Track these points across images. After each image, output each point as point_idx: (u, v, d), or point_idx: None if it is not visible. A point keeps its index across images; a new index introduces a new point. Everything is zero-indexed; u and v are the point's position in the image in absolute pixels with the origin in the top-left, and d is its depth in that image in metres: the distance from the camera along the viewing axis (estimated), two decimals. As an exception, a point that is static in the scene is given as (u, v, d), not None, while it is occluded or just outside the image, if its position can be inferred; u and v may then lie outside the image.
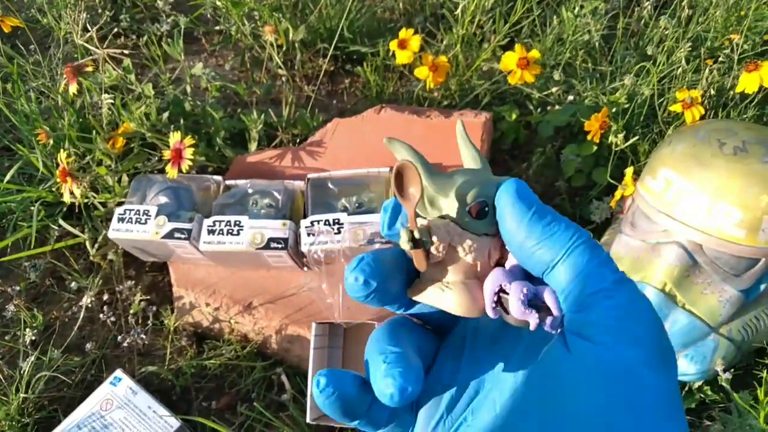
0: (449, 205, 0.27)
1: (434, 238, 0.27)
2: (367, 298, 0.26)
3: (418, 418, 0.28)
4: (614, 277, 0.25)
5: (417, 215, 0.28)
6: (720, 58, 1.13)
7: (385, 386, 0.25)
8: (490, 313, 0.27)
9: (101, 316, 0.97)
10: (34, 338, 0.94)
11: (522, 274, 0.28)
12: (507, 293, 0.26)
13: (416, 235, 0.26)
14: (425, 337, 0.30)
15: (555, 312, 0.26)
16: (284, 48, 1.25)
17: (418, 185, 0.26)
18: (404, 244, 0.26)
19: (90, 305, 0.97)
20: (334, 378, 0.27)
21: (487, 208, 0.27)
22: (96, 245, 1.02)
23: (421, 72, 1.04)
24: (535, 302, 0.26)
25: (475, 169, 0.29)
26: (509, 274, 0.27)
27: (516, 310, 0.26)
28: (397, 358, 0.26)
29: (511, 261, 0.28)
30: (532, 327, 0.26)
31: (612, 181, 1.02)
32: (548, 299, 0.27)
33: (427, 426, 0.27)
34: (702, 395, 0.92)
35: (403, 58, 1.04)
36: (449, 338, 0.30)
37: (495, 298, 0.27)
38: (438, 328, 0.31)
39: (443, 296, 0.27)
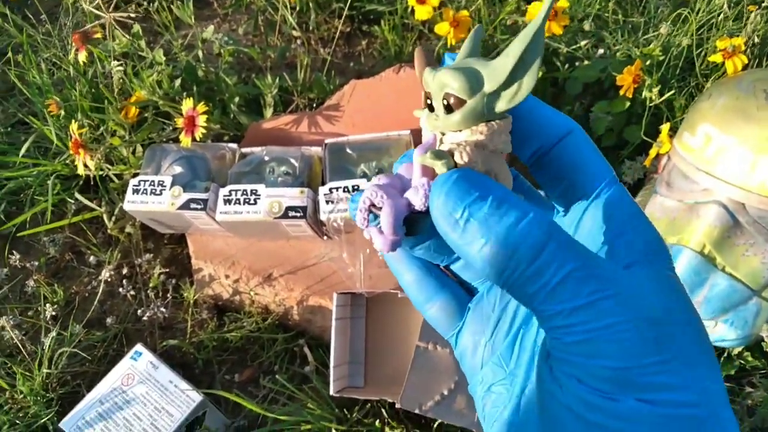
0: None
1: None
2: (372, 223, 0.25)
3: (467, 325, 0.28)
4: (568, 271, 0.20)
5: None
6: (764, 3, 1.05)
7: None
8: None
9: (121, 290, 0.95)
10: (54, 313, 0.93)
11: (401, 184, 0.25)
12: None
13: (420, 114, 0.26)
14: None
15: (385, 226, 0.23)
16: (298, 9, 1.20)
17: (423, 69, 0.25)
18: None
19: (109, 279, 0.96)
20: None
21: (428, 100, 0.24)
22: (113, 218, 1.00)
23: (442, 28, 0.99)
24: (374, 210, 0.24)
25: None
26: (389, 186, 0.25)
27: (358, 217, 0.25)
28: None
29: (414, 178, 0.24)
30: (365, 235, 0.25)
31: (646, 138, 0.96)
32: (382, 204, 0.24)
33: (474, 347, 0.27)
34: (742, 361, 0.88)
35: (422, 13, 0.99)
36: None
37: (364, 206, 0.24)
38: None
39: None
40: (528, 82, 0.23)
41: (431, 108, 0.24)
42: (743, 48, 0.90)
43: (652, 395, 0.19)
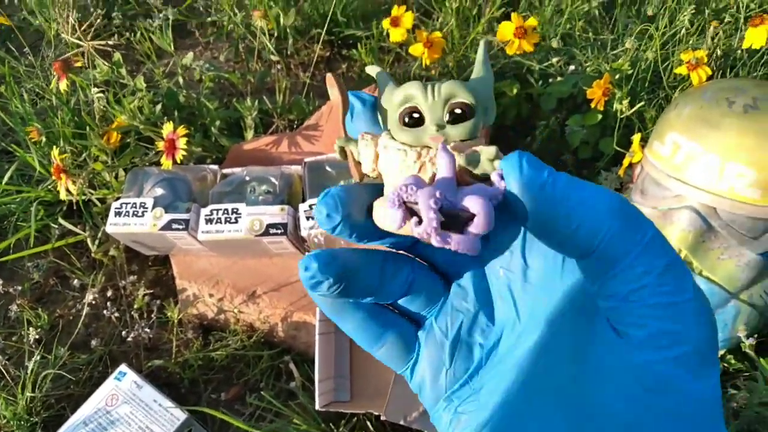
0: (389, 115, 0.26)
1: (359, 147, 0.26)
2: (335, 231, 0.24)
3: (423, 357, 0.27)
4: (665, 260, 0.21)
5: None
6: (726, 19, 1.09)
7: (299, 263, 0.24)
8: (393, 223, 0.23)
9: (105, 312, 0.95)
10: (38, 337, 0.93)
11: (451, 185, 0.23)
12: (411, 201, 0.23)
13: (336, 146, 0.26)
14: (422, 273, 0.28)
15: (480, 225, 0.22)
16: (276, 35, 1.23)
17: (337, 91, 0.26)
18: (337, 153, 0.27)
19: (94, 302, 0.96)
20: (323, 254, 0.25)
21: (416, 114, 0.25)
22: (97, 242, 1.01)
23: (416, 49, 1.02)
24: (450, 213, 0.23)
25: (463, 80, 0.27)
26: (422, 183, 0.24)
27: (426, 223, 0.22)
28: (331, 250, 0.25)
29: (439, 177, 0.24)
30: (434, 243, 0.22)
31: (619, 149, 0.99)
32: (471, 204, 0.22)
33: (433, 377, 0.27)
34: (726, 364, 0.89)
35: (396, 35, 1.02)
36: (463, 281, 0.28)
37: (399, 206, 0.23)
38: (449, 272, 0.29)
39: (375, 211, 0.25)
40: (494, 107, 0.26)
41: (416, 122, 0.25)
42: (706, 60, 0.93)
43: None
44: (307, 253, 0.24)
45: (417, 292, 0.27)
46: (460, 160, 0.24)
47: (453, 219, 0.23)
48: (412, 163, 0.24)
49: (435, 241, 0.22)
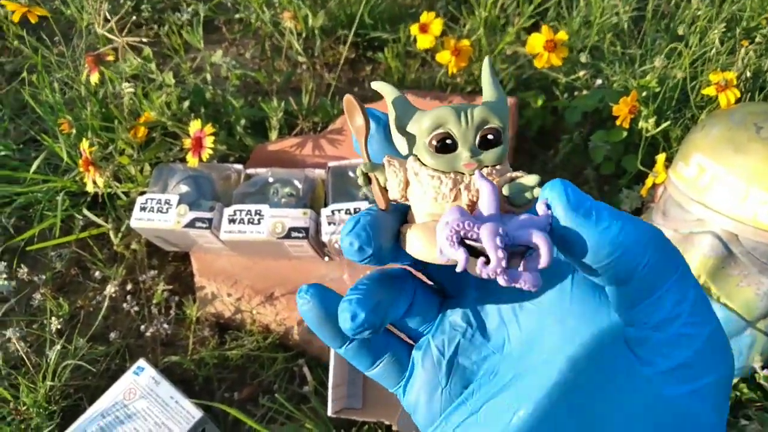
0: (414, 140, 0.25)
1: (387, 174, 0.25)
2: (363, 262, 0.24)
3: (416, 378, 0.27)
4: (695, 293, 0.22)
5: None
6: (756, 39, 1.08)
7: (339, 310, 0.24)
8: (442, 256, 0.23)
9: (125, 305, 0.97)
10: (59, 327, 0.95)
11: (498, 215, 0.23)
12: (471, 238, 0.22)
13: (359, 172, 0.25)
14: (422, 292, 0.28)
15: (544, 260, 0.22)
16: (304, 35, 1.24)
17: (361, 116, 0.25)
18: (360, 181, 0.26)
19: (114, 295, 0.98)
20: (318, 289, 0.26)
21: (448, 141, 0.24)
22: (119, 235, 1.02)
23: (443, 57, 1.02)
24: (517, 249, 0.22)
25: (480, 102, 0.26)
26: (472, 216, 0.23)
27: (494, 263, 0.22)
28: (364, 287, 0.24)
29: (484, 208, 0.23)
30: (502, 282, 0.22)
31: (642, 168, 0.98)
32: (537, 240, 0.22)
33: (429, 397, 0.26)
34: (738, 393, 0.89)
35: (424, 42, 1.02)
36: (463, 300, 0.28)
37: (452, 237, 0.22)
38: (453, 288, 0.28)
39: (407, 239, 0.24)
40: (508, 128, 0.25)
41: (448, 148, 0.24)
42: (735, 82, 0.93)
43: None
44: (348, 299, 0.24)
45: (416, 310, 0.27)
46: (503, 190, 0.23)
47: (512, 255, 0.22)
48: (448, 191, 0.24)
49: (502, 281, 0.22)
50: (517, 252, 0.22)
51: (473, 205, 0.24)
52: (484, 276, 0.22)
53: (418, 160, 0.24)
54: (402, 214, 0.26)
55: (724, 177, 0.81)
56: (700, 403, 0.22)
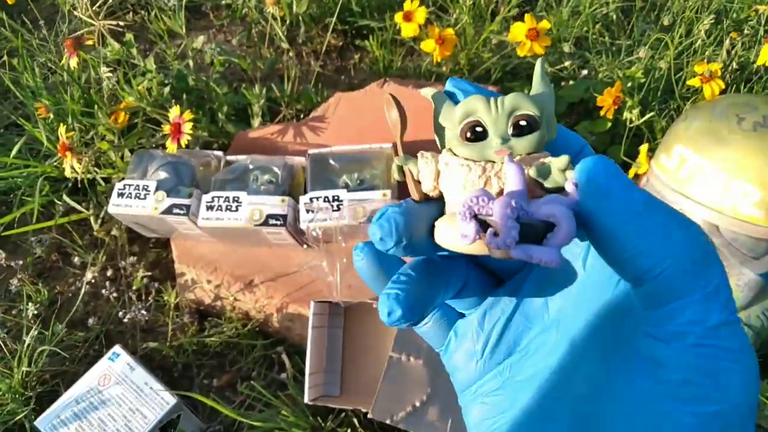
0: (448, 132, 0.25)
1: (420, 165, 0.25)
2: (387, 251, 0.24)
3: (456, 343, 0.28)
4: (723, 316, 0.20)
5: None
6: (745, 31, 1.08)
7: (379, 302, 0.24)
8: (464, 240, 0.22)
9: (104, 291, 0.97)
10: (37, 312, 0.94)
11: (525, 197, 0.22)
12: (485, 214, 0.22)
13: (395, 165, 0.26)
14: (475, 275, 0.28)
15: (562, 236, 0.21)
16: (288, 22, 1.23)
17: (396, 112, 0.26)
18: (394, 174, 0.26)
19: (93, 281, 0.97)
20: (371, 247, 0.25)
21: (479, 128, 0.24)
22: (100, 221, 1.02)
23: (428, 45, 1.01)
24: (530, 224, 0.21)
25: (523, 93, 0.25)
26: (491, 196, 0.22)
27: (504, 236, 0.21)
28: (406, 280, 0.24)
29: (510, 189, 0.23)
30: (514, 255, 0.21)
31: (627, 159, 0.98)
32: (551, 214, 0.21)
33: (465, 364, 0.28)
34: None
35: (408, 30, 1.01)
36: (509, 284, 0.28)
37: (475, 227, 0.22)
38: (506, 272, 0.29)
39: (435, 229, 0.24)
40: (555, 121, 0.25)
41: (479, 137, 0.24)
42: (719, 73, 0.92)
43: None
44: (386, 292, 0.23)
45: (468, 293, 0.27)
46: (530, 172, 0.23)
47: (530, 231, 0.22)
48: (477, 178, 0.24)
49: (515, 254, 0.21)
50: (539, 228, 0.22)
51: (502, 192, 0.23)
52: (494, 249, 0.21)
53: (451, 151, 0.25)
54: (439, 208, 0.26)
55: (705, 168, 0.81)
56: (700, 429, 0.21)
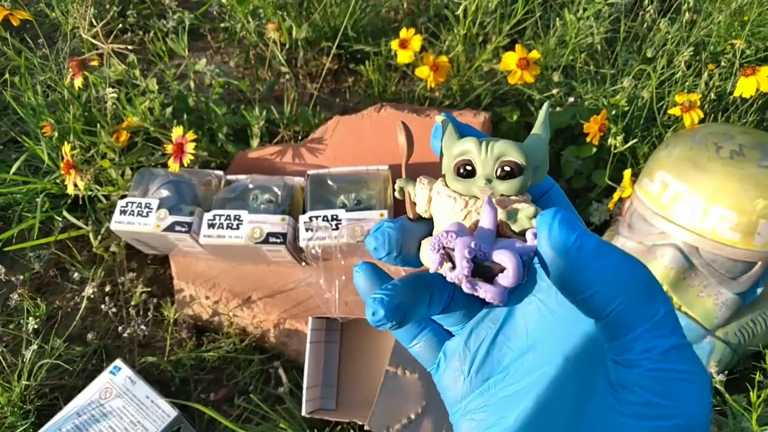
0: (445, 163, 0.29)
1: (416, 190, 0.29)
2: (381, 260, 0.28)
3: (446, 365, 0.30)
4: (671, 341, 0.23)
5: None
6: (722, 63, 1.14)
7: (366, 304, 0.26)
8: (431, 264, 0.26)
9: (103, 307, 0.98)
10: (36, 327, 0.95)
11: (489, 237, 0.26)
12: (449, 247, 0.26)
13: (397, 185, 0.29)
14: (461, 294, 0.30)
15: (509, 279, 0.25)
16: (288, 46, 1.27)
17: (404, 138, 0.29)
18: (396, 193, 0.30)
19: (92, 296, 0.99)
20: (369, 266, 0.29)
21: (468, 167, 0.27)
22: (99, 237, 1.03)
23: (422, 71, 1.05)
24: (483, 264, 0.25)
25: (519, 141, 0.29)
26: (466, 232, 0.26)
27: (459, 270, 0.25)
28: (392, 288, 0.26)
29: (481, 227, 0.27)
30: (464, 289, 0.26)
31: (611, 183, 1.02)
32: (503, 259, 0.25)
33: (453, 383, 0.30)
34: (696, 397, 0.92)
35: (404, 57, 1.05)
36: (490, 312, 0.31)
37: (438, 250, 0.26)
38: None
39: (421, 249, 0.28)
40: (546, 165, 0.28)
41: (468, 174, 0.27)
42: (698, 103, 0.97)
43: None
44: (372, 296, 0.26)
45: (454, 309, 0.30)
46: (501, 215, 0.26)
47: (486, 269, 0.25)
48: (459, 210, 0.27)
49: (465, 288, 0.25)
50: (494, 269, 0.25)
51: (476, 225, 0.27)
52: (449, 280, 0.26)
53: (444, 181, 0.28)
54: (429, 228, 0.29)
55: (686, 193, 0.85)
56: None
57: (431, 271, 0.27)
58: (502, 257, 0.25)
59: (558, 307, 0.27)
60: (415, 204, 0.29)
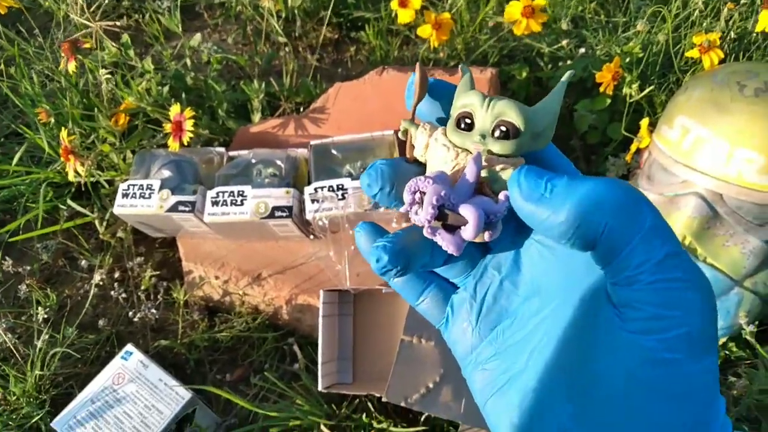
0: (451, 113, 0.29)
1: (417, 133, 0.29)
2: (375, 198, 0.28)
3: (455, 313, 0.31)
4: (664, 250, 0.23)
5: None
6: (741, 1, 1.07)
7: (370, 252, 0.27)
8: (403, 208, 0.27)
9: (113, 293, 0.97)
10: (47, 317, 0.95)
11: (466, 190, 0.26)
12: (422, 191, 0.26)
13: (402, 126, 0.30)
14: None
15: (468, 233, 0.26)
16: (284, 16, 1.23)
17: (418, 85, 0.29)
18: (400, 133, 0.30)
19: (101, 283, 0.97)
20: (370, 225, 0.29)
21: (468, 120, 0.27)
22: (105, 223, 1.02)
23: (424, 31, 1.01)
24: (445, 211, 0.26)
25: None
26: (445, 181, 0.26)
27: (423, 214, 0.26)
28: (394, 236, 0.27)
29: (462, 179, 0.27)
30: (425, 233, 0.26)
31: (628, 135, 0.98)
32: (466, 213, 0.26)
33: (462, 335, 0.30)
34: (727, 352, 0.88)
35: (404, 17, 1.01)
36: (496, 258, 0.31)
37: (411, 198, 0.27)
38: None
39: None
40: (550, 133, 0.28)
41: (468, 127, 0.27)
42: (718, 43, 0.92)
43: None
44: (375, 244, 0.26)
45: (454, 261, 0.30)
46: (484, 173, 0.27)
47: (453, 220, 0.26)
48: (450, 161, 0.27)
49: (426, 232, 0.26)
50: (460, 221, 0.26)
51: (457, 178, 0.27)
52: (413, 221, 0.27)
53: (444, 130, 0.28)
54: (423, 172, 0.29)
55: (708, 137, 0.80)
56: (677, 354, 0.23)
57: (401, 210, 0.27)
58: (466, 211, 0.26)
59: (556, 245, 0.28)
60: (413, 147, 0.29)
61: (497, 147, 0.27)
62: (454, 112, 0.28)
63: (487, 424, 0.28)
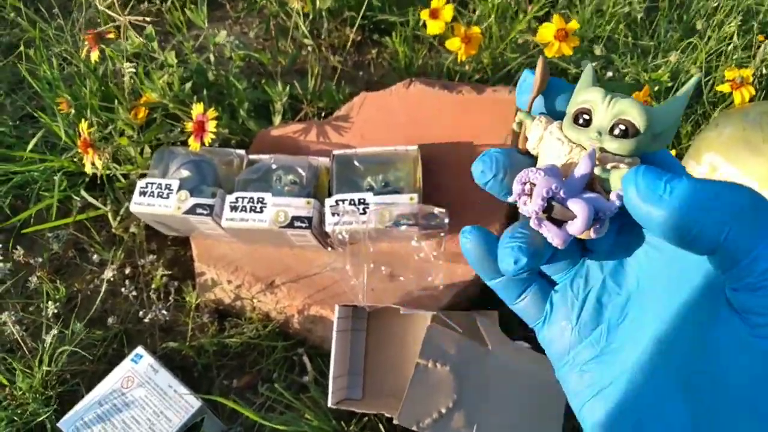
0: (568, 108, 0.28)
1: (532, 125, 0.29)
2: (486, 186, 0.28)
3: (555, 311, 0.30)
4: None
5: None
6: (773, 34, 1.06)
7: (503, 253, 0.26)
8: (511, 198, 0.27)
9: (123, 290, 0.96)
10: (56, 311, 0.93)
11: (577, 185, 0.26)
12: (533, 185, 0.27)
13: (517, 117, 0.30)
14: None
15: (576, 228, 0.25)
16: (311, 16, 1.21)
17: (539, 78, 0.29)
18: (514, 125, 0.30)
19: (112, 279, 0.96)
20: (479, 230, 0.29)
21: (586, 116, 0.27)
22: (118, 218, 1.00)
23: (453, 44, 0.99)
24: (553, 204, 0.26)
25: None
26: (556, 174, 0.26)
27: (532, 205, 0.26)
28: (523, 235, 0.27)
29: (577, 173, 0.27)
30: (531, 224, 0.26)
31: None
32: (575, 207, 0.26)
33: (560, 334, 0.29)
34: None
35: (434, 28, 0.99)
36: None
37: (520, 188, 0.27)
38: None
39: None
40: (670, 136, 0.27)
41: (585, 123, 0.27)
42: (751, 80, 0.91)
43: None
44: (510, 245, 0.26)
45: (560, 256, 0.29)
46: (597, 170, 0.26)
47: (561, 213, 0.26)
48: (563, 155, 0.27)
49: (532, 223, 0.26)
50: (568, 215, 0.26)
51: (567, 173, 0.27)
52: (521, 212, 0.27)
53: (560, 124, 0.28)
54: (534, 164, 0.29)
55: (737, 177, 0.80)
56: None
57: (509, 200, 0.28)
58: (576, 206, 0.26)
59: (662, 244, 0.27)
60: (527, 139, 0.29)
61: (614, 145, 0.26)
62: (573, 107, 0.28)
63: (582, 428, 0.28)
